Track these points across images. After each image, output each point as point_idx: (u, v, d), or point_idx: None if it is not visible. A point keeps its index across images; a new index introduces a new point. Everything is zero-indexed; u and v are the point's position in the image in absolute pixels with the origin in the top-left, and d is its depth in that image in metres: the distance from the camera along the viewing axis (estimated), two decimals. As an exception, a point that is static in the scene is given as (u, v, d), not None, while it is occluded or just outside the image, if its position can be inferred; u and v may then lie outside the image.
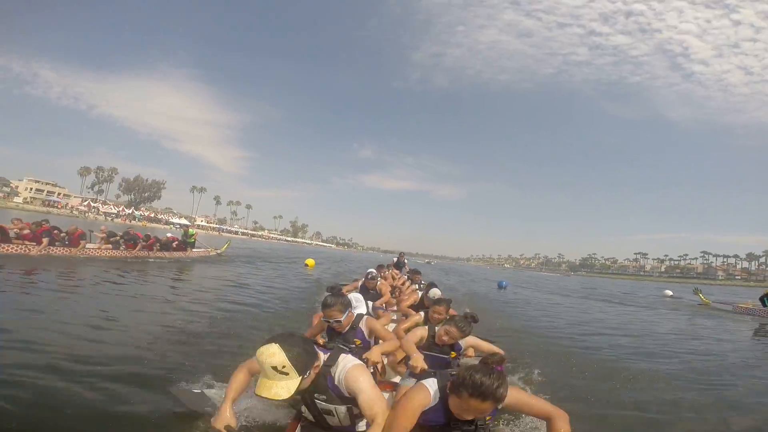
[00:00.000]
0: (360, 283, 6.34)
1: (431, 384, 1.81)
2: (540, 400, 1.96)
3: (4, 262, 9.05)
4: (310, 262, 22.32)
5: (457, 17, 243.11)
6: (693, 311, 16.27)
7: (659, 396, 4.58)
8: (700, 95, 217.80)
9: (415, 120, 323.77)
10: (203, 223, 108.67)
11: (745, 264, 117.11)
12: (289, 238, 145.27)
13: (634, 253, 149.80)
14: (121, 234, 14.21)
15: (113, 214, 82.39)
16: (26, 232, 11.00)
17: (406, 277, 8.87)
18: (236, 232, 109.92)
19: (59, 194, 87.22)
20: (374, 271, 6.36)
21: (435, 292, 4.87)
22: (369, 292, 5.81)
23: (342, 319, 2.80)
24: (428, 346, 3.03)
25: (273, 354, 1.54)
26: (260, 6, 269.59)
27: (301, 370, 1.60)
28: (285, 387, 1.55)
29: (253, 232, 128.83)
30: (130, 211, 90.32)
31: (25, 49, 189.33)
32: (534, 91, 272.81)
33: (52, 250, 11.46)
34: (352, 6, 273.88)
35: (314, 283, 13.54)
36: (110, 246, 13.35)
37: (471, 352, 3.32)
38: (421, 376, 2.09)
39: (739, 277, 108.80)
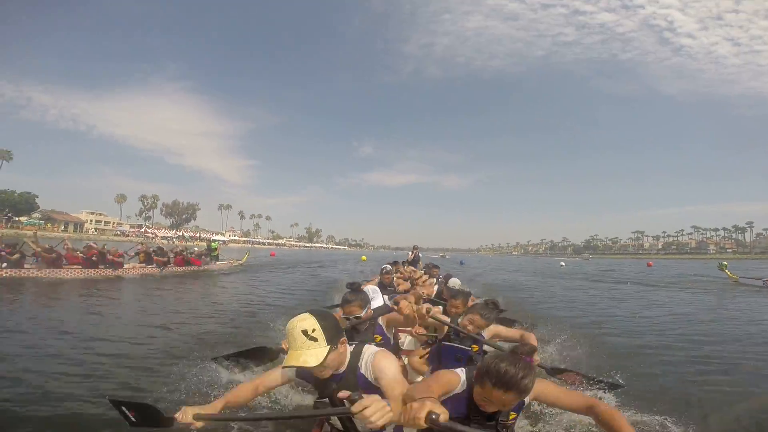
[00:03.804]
0: (377, 280, 5.78)
1: (461, 372, 1.63)
2: (574, 393, 1.72)
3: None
4: (364, 257, 33.58)
5: (442, 5, 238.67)
6: (724, 288, 15.08)
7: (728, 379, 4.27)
8: (693, 68, 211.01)
9: (413, 113, 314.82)
10: (237, 238, 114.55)
11: (738, 236, 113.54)
12: (307, 245, 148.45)
13: (632, 232, 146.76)
14: (153, 250, 15.41)
15: (171, 237, 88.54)
16: (80, 255, 12.55)
17: (423, 271, 7.94)
18: (263, 244, 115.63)
19: (113, 224, 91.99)
20: (389, 266, 5.93)
21: (455, 282, 4.33)
22: (386, 288, 5.38)
23: (362, 314, 2.64)
24: (449, 338, 2.71)
25: (304, 319, 1.49)
26: (247, 13, 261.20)
27: (330, 339, 1.51)
28: (314, 354, 1.45)
29: (277, 242, 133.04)
30: (181, 234, 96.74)
31: (10, 72, 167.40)
32: (527, 74, 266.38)
33: (102, 272, 12.82)
34: (335, 6, 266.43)
35: (333, 282, 13.79)
36: (144, 264, 14.57)
37: (496, 340, 2.97)
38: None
39: (730, 250, 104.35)
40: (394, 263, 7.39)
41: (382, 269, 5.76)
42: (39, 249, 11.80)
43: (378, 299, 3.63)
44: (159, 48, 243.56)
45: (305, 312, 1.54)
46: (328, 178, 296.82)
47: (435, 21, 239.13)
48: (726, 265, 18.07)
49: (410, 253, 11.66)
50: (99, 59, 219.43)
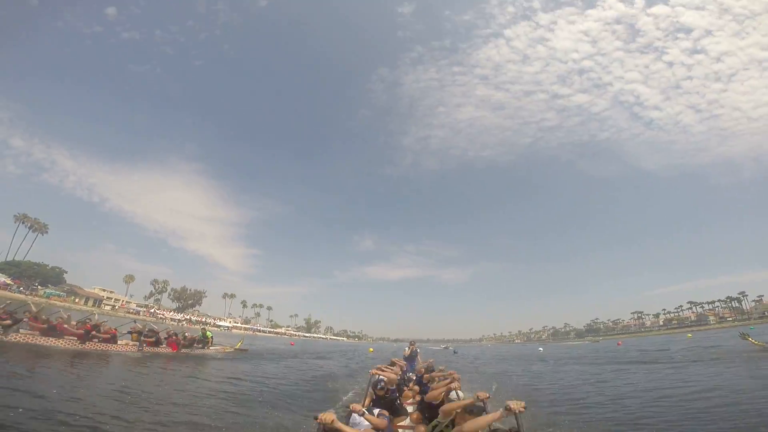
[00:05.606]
0: (370, 391, 5.10)
1: None
2: None
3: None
4: (371, 350, 36.43)
5: (436, 98, 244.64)
6: (754, 357, 13.87)
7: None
8: (665, 140, 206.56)
9: (411, 207, 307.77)
10: (239, 325, 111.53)
11: (735, 305, 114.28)
12: (306, 334, 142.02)
13: (632, 312, 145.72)
14: (146, 332, 14.74)
15: (180, 320, 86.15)
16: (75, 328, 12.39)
17: (423, 368, 7.40)
18: (263, 331, 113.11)
19: (123, 302, 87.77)
20: (383, 380, 5.17)
21: (455, 397, 4.02)
22: (382, 400, 4.86)
23: None
24: None
25: None
26: (260, 102, 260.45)
27: None
28: None
29: (276, 330, 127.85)
30: (188, 317, 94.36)
31: (46, 132, 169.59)
32: (516, 162, 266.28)
33: (93, 346, 12.47)
34: (344, 97, 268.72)
35: (326, 376, 13.01)
36: (137, 343, 13.96)
37: None
38: None
39: (730, 319, 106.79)
40: (392, 364, 7.40)
41: (376, 384, 4.94)
42: (32, 316, 11.83)
43: (362, 424, 3.27)
44: (181, 127, 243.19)
45: None
46: (328, 270, 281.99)
47: (430, 114, 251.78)
48: (748, 335, 17.88)
49: (407, 348, 11.40)
50: (125, 131, 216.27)
